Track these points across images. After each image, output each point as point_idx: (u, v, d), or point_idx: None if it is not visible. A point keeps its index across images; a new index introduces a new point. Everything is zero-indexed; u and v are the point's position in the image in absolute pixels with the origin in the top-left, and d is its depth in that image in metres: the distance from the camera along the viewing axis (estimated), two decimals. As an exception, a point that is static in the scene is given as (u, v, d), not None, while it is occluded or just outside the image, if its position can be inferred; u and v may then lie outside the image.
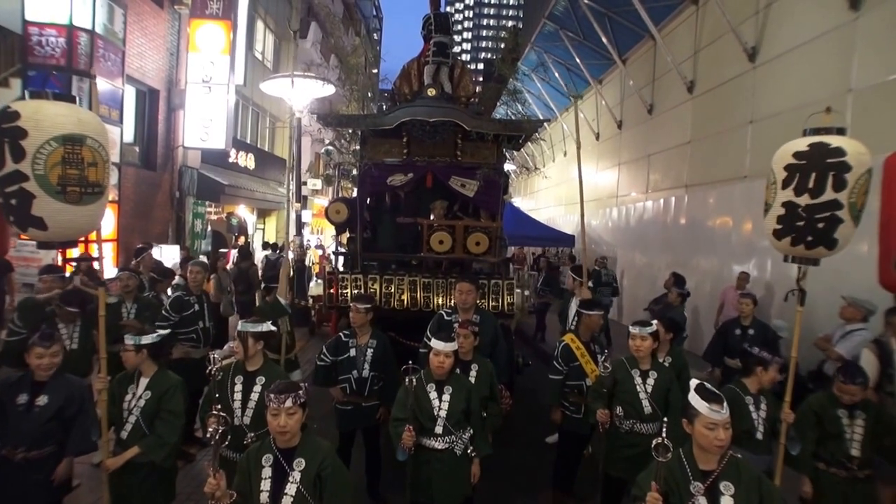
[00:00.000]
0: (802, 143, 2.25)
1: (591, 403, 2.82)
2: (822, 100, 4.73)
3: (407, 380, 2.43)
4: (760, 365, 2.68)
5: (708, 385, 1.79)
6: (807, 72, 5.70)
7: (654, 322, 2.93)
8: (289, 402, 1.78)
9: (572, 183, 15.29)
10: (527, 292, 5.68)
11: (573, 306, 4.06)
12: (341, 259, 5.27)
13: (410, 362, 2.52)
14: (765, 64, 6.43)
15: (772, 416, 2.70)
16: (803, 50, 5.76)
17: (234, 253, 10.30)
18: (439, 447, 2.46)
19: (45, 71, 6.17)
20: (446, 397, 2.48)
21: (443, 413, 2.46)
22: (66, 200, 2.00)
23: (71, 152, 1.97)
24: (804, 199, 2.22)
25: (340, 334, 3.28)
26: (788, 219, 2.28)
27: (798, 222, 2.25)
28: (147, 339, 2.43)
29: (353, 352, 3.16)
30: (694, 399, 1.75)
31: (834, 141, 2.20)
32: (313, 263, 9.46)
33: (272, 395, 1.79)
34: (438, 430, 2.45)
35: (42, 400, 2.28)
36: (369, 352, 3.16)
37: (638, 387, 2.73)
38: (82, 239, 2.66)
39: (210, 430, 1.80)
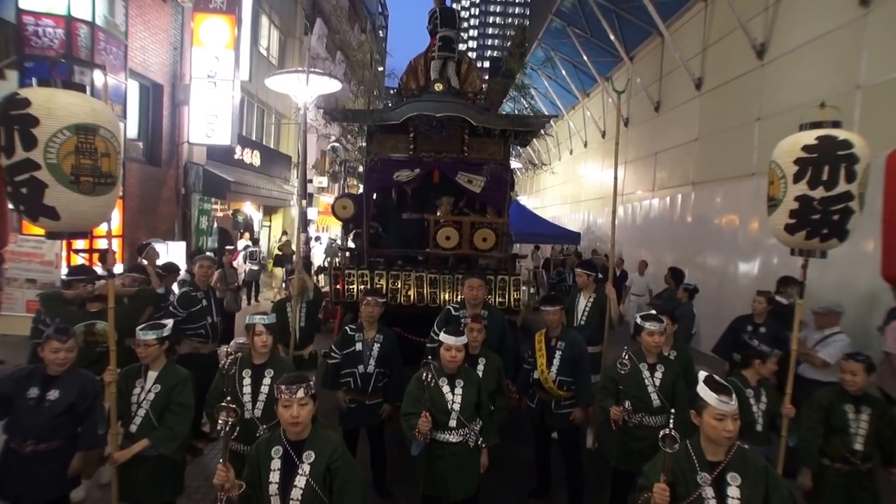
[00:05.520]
0: (810, 137, 2.26)
1: (601, 401, 2.81)
2: (830, 96, 4.67)
3: (425, 375, 2.42)
4: (758, 358, 2.83)
5: (717, 377, 1.81)
6: (816, 68, 5.67)
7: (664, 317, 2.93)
8: (300, 393, 1.78)
9: (578, 181, 15.28)
10: (531, 290, 5.67)
11: (581, 303, 4.05)
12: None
13: (430, 357, 2.53)
14: (774, 60, 6.39)
15: (771, 410, 2.78)
16: (812, 46, 5.73)
17: (240, 250, 10.33)
18: (453, 440, 2.47)
19: (47, 61, 5.92)
20: (459, 391, 2.49)
21: (456, 406, 2.47)
22: (79, 191, 1.96)
23: (84, 142, 1.94)
24: (819, 192, 2.22)
25: (346, 328, 3.27)
26: (803, 213, 2.27)
27: (814, 216, 2.25)
28: (167, 332, 2.45)
29: (359, 346, 3.14)
30: (703, 390, 1.76)
31: (840, 133, 2.23)
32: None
33: (283, 387, 1.79)
34: (452, 423, 2.46)
35: (53, 394, 2.25)
36: (375, 346, 3.14)
37: (646, 380, 2.73)
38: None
39: (220, 421, 1.80)
